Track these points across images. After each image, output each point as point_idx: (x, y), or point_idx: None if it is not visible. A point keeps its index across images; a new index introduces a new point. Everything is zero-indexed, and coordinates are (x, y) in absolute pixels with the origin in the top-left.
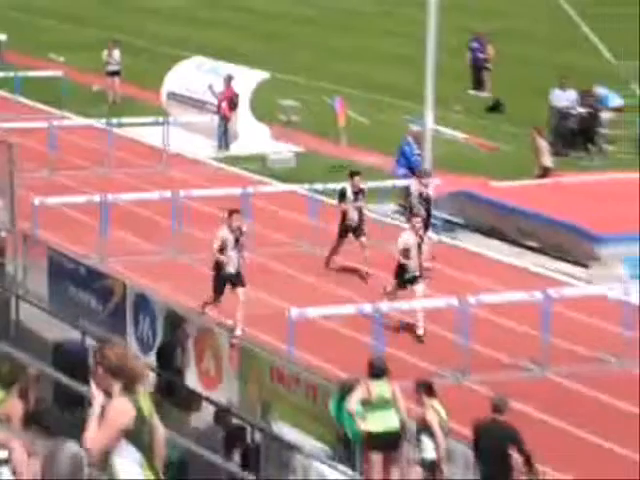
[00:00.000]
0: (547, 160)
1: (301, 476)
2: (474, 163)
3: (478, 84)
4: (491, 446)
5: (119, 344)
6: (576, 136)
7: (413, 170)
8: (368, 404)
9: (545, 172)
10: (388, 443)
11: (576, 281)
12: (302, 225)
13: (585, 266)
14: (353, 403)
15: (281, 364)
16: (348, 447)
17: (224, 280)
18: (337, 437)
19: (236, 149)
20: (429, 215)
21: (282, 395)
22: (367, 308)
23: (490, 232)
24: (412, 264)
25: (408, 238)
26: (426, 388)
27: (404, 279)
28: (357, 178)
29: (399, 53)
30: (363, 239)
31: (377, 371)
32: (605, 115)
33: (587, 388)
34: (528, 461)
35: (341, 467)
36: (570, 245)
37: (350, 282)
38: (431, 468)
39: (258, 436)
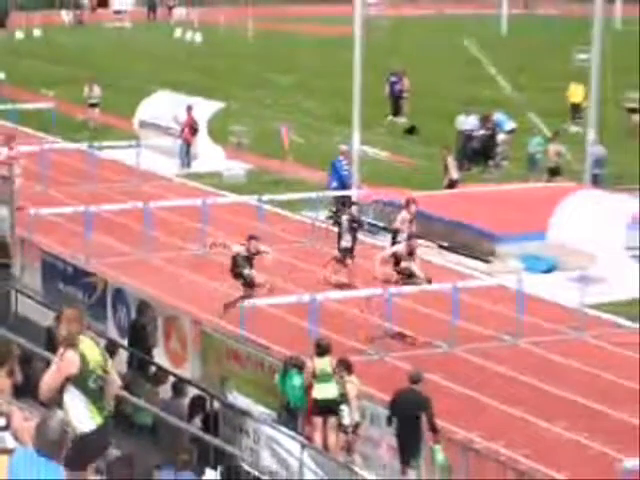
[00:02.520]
0: (454, 174)
1: (252, 438)
2: (394, 176)
3: (397, 111)
4: (406, 412)
5: (71, 308)
6: (478, 154)
7: (343, 183)
8: (314, 377)
9: (453, 184)
10: (328, 409)
11: (480, 274)
12: (252, 229)
13: (487, 261)
14: (306, 379)
15: (236, 345)
16: (291, 414)
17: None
18: (282, 405)
19: (196, 167)
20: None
21: (237, 371)
22: (305, 298)
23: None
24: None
25: (401, 248)
26: (346, 366)
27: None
28: (354, 207)
29: (331, 87)
30: (350, 259)
31: (321, 350)
32: (501, 137)
33: (488, 362)
34: (433, 425)
35: (285, 430)
36: (474, 244)
37: (293, 277)
38: (352, 431)
39: (216, 404)
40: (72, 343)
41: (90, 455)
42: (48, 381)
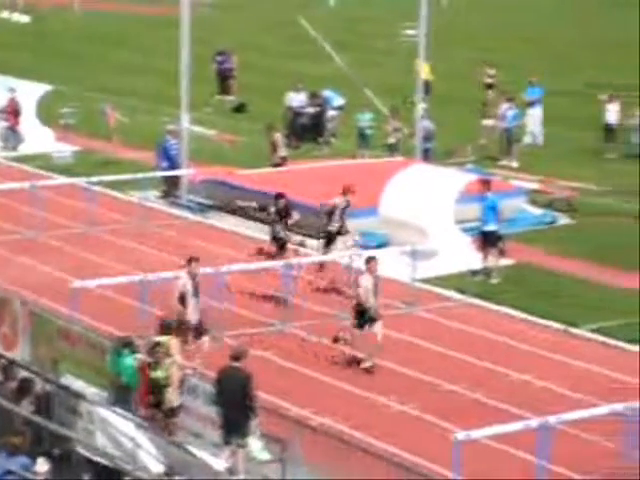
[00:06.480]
0: (282, 151)
1: (87, 419)
2: (223, 155)
3: (224, 90)
4: (229, 390)
5: None
6: (307, 131)
7: (172, 162)
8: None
9: (281, 161)
10: (162, 389)
11: (312, 251)
12: (80, 210)
13: (318, 238)
14: (144, 359)
15: (67, 326)
16: (124, 394)
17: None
18: (114, 386)
19: (24, 150)
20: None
21: (68, 352)
22: (136, 278)
23: (235, 211)
24: (371, 304)
25: (367, 283)
26: (162, 349)
27: (363, 320)
28: (282, 200)
29: (156, 66)
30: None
31: (166, 330)
32: (330, 113)
33: (319, 337)
34: (251, 403)
35: (119, 410)
36: (304, 221)
37: (124, 258)
38: (171, 414)
39: (48, 387)
40: None
41: None
42: None
